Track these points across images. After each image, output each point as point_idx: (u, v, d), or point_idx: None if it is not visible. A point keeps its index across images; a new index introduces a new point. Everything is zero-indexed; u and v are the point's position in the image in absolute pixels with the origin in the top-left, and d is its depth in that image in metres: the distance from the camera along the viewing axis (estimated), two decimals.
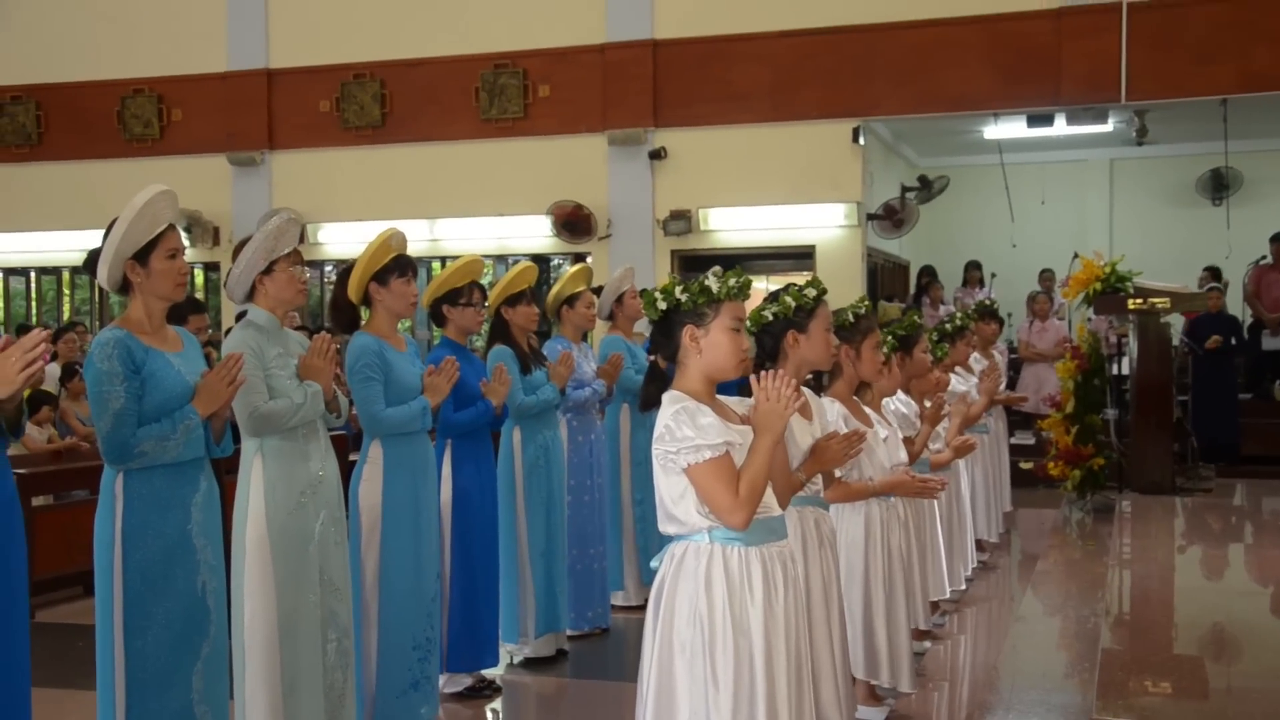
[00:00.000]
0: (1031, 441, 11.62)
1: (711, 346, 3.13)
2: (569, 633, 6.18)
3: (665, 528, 3.16)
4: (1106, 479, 8.52)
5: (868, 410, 4.65)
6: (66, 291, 15.64)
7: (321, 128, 14.06)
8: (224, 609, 3.68)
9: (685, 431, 3.01)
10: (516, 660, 5.91)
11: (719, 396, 3.24)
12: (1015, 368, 12.84)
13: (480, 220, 13.54)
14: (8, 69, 15.04)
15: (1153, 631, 5.37)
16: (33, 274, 15.61)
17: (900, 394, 5.46)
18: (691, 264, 12.99)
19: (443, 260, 13.21)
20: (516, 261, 13.30)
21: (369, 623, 4.62)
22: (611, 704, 5.44)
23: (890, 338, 5.15)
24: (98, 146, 14.70)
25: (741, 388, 3.26)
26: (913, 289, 14.45)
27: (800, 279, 3.98)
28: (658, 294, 3.19)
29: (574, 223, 13.07)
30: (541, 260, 13.67)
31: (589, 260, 13.20)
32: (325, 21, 13.99)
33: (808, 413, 3.76)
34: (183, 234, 12.76)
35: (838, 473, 4.21)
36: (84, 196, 14.03)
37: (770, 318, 3.74)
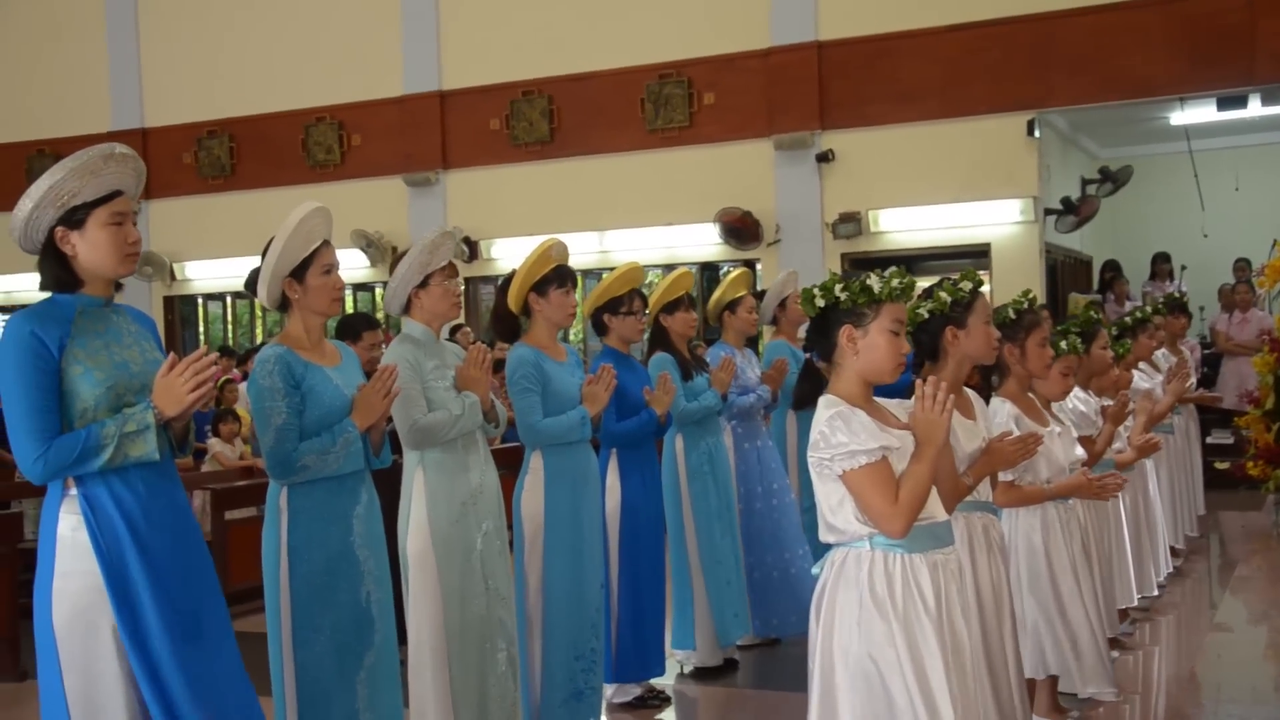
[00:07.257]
0: (1230, 440, 11.00)
1: (869, 349, 3.04)
2: (744, 641, 6.07)
3: (825, 536, 3.08)
4: None
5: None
6: (259, 314, 16.32)
7: (492, 145, 14.34)
8: (389, 619, 3.71)
9: (840, 437, 2.94)
10: (686, 670, 5.86)
11: (877, 399, 3.13)
12: (1212, 363, 12.20)
13: (648, 230, 13.55)
14: (205, 105, 15.82)
15: None
16: (228, 298, 16.36)
17: (1079, 391, 5.20)
18: (862, 266, 12.71)
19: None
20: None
21: (533, 632, 4.63)
22: (781, 714, 5.33)
23: (1074, 338, 4.89)
24: (284, 174, 15.29)
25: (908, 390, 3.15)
26: (1096, 285, 13.88)
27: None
28: (816, 291, 3.11)
29: (742, 229, 12.98)
30: (710, 268, 13.64)
31: (758, 266, 13.12)
32: (494, 41, 14.25)
33: (970, 412, 3.61)
34: (363, 253, 12.87)
35: (1007, 476, 4.03)
36: (274, 222, 14.27)
37: (926, 315, 3.60)
